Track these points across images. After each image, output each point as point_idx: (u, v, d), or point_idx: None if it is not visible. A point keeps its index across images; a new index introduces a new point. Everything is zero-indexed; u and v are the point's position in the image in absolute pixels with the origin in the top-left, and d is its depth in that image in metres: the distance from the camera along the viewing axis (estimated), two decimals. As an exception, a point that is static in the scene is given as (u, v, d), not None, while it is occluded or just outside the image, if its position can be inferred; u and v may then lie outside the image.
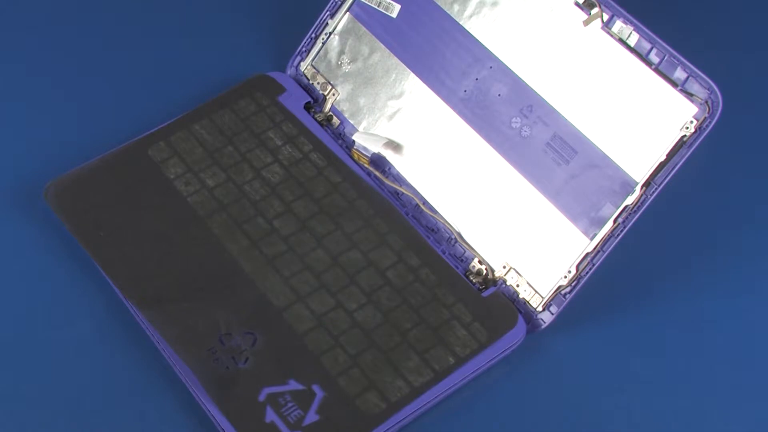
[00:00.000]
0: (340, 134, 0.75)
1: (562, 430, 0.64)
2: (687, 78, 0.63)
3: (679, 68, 0.63)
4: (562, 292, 0.66)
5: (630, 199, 0.64)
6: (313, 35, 0.76)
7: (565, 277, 0.66)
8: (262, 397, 0.62)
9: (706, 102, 0.63)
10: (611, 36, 0.66)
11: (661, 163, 0.64)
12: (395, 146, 0.73)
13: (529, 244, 0.67)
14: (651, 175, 0.64)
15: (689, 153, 0.63)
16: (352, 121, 0.75)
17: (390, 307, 0.67)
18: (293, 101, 0.76)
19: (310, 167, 0.72)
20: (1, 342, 0.66)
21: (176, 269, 0.67)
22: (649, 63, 0.64)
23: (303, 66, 0.77)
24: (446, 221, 0.70)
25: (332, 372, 0.64)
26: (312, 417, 0.62)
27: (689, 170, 0.63)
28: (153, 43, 0.81)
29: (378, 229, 0.70)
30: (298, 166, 0.73)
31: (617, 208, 0.65)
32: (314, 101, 0.76)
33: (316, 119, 0.75)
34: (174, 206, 0.70)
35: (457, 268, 0.69)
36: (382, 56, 0.74)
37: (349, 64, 0.75)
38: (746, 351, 0.68)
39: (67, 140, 0.75)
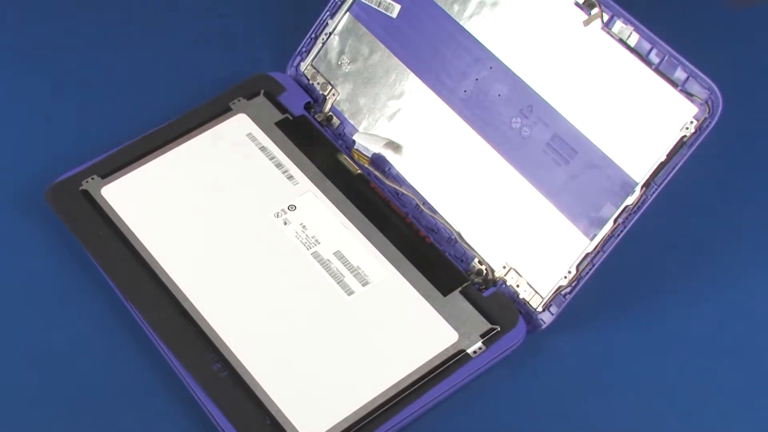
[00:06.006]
0: (340, 134, 0.75)
1: (562, 430, 0.64)
2: (687, 78, 0.63)
3: (679, 68, 0.63)
4: (562, 292, 0.66)
5: (630, 200, 0.64)
6: (313, 35, 0.76)
7: (565, 277, 0.66)
8: (262, 398, 0.63)
9: (706, 102, 0.63)
10: (611, 36, 0.66)
11: (661, 163, 0.64)
12: (395, 146, 0.73)
13: (529, 245, 0.67)
14: (651, 176, 0.64)
15: (689, 153, 0.63)
16: (352, 121, 0.75)
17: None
18: (293, 101, 0.76)
19: None
20: (1, 342, 0.66)
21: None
22: (649, 63, 0.64)
23: (303, 66, 0.77)
24: (446, 221, 0.70)
25: (332, 372, 0.64)
26: (312, 417, 0.62)
27: (689, 170, 0.63)
28: (153, 43, 0.81)
29: None
30: None
31: (617, 209, 0.65)
32: (314, 101, 0.76)
33: (316, 119, 0.75)
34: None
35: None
36: (382, 56, 0.74)
37: (349, 64, 0.75)
38: (747, 351, 0.68)
39: (67, 141, 0.75)
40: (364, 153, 0.73)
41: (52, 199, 0.70)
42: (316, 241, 0.68)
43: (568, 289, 0.66)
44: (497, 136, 0.69)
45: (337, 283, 0.66)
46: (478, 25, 0.70)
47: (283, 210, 0.69)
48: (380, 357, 0.63)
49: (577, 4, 0.67)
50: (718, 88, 0.62)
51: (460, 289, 0.67)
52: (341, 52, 0.76)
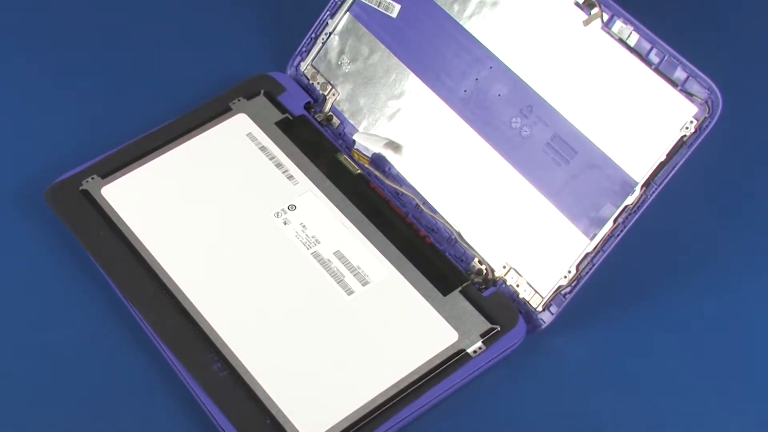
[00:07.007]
0: (340, 134, 0.75)
1: (562, 430, 0.64)
2: (687, 78, 0.63)
3: (679, 68, 0.63)
4: (562, 292, 0.66)
5: (630, 199, 0.64)
6: (313, 35, 0.76)
7: (565, 277, 0.66)
8: (262, 397, 0.63)
9: (706, 102, 0.63)
10: (611, 36, 0.66)
11: (661, 163, 0.64)
12: (395, 146, 0.73)
13: (529, 244, 0.67)
14: (651, 175, 0.64)
15: (689, 153, 0.63)
16: (352, 121, 0.75)
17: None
18: (293, 101, 0.76)
19: None
20: (1, 342, 0.66)
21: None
22: (649, 63, 0.64)
23: (303, 66, 0.77)
24: (446, 221, 0.70)
25: (332, 372, 0.64)
26: (312, 417, 0.62)
27: (689, 170, 0.63)
28: (153, 43, 0.81)
29: None
30: None
31: (617, 208, 0.65)
32: (314, 101, 0.76)
33: (316, 119, 0.75)
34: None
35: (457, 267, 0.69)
36: (382, 56, 0.74)
37: (349, 64, 0.75)
38: (747, 351, 0.68)
39: (67, 141, 0.75)
40: (364, 153, 0.73)
41: (52, 199, 0.70)
42: (316, 240, 0.68)
43: (568, 289, 0.66)
44: (497, 136, 0.69)
45: (337, 282, 0.66)
46: (478, 25, 0.71)
47: (283, 210, 0.69)
48: (380, 357, 0.63)
49: (577, 4, 0.67)
50: (717, 88, 0.62)
51: (460, 288, 0.67)
52: (341, 52, 0.76)
